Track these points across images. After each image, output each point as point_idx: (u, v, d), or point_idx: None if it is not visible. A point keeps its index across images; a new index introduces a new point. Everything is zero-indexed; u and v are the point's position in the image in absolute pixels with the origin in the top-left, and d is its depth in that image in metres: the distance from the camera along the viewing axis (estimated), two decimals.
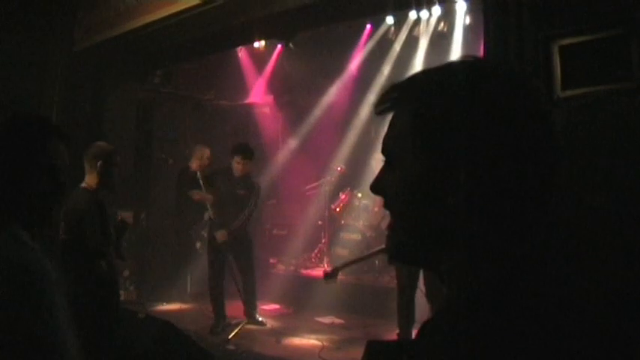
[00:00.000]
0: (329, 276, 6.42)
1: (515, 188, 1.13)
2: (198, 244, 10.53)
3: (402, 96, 1.26)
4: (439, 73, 1.25)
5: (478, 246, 1.14)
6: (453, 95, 1.17)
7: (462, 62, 1.26)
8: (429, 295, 6.82)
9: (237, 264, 9.13)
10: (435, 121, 1.17)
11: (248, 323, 8.74)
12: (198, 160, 9.65)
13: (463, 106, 1.15)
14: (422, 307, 6.94)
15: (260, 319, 9.05)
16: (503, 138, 1.13)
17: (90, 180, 5.35)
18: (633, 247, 3.98)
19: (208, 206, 8.97)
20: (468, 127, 1.13)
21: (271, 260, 12.23)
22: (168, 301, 10.28)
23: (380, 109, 1.30)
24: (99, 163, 5.32)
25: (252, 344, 8.17)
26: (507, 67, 1.32)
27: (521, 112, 1.16)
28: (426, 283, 6.87)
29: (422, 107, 1.20)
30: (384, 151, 1.28)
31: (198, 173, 9.11)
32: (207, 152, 10.03)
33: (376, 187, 1.30)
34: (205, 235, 9.48)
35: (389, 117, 1.28)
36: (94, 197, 5.30)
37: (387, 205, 1.27)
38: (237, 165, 8.80)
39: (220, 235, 8.70)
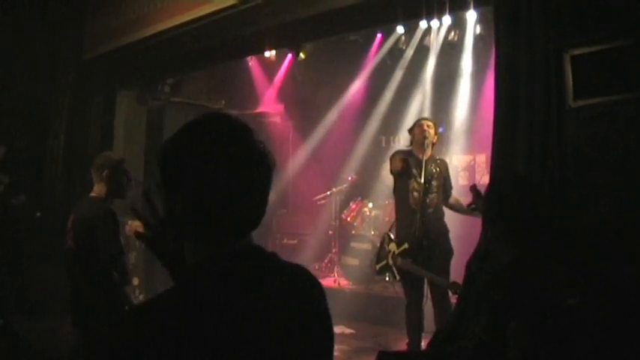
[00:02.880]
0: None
1: (207, 218, 1.77)
2: None
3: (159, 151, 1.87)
4: (173, 142, 1.85)
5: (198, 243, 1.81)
6: (175, 159, 1.81)
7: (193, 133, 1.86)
8: (435, 305, 6.80)
9: None
10: (166, 172, 1.83)
11: None
12: None
13: (178, 170, 1.79)
14: (431, 317, 6.92)
15: None
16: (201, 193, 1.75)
17: (98, 189, 5.34)
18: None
19: None
20: (184, 182, 1.77)
21: None
22: None
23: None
24: (104, 173, 5.33)
25: None
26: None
27: (217, 179, 1.75)
28: (432, 293, 6.86)
29: (162, 163, 1.84)
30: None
31: None
32: None
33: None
34: None
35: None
36: (104, 206, 5.30)
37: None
38: None
39: None
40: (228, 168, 1.75)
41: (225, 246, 1.80)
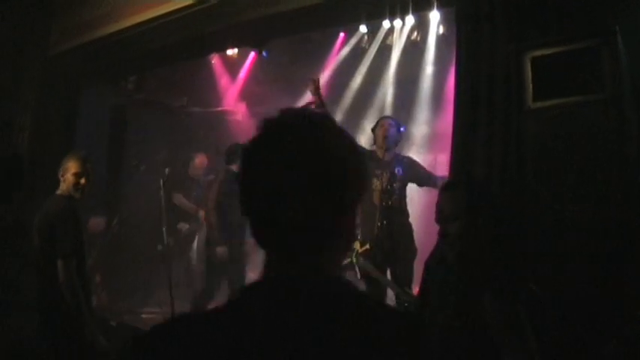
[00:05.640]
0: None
1: None
2: (159, 247, 9.70)
3: None
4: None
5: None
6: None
7: None
8: (398, 303, 6.81)
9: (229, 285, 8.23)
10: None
11: None
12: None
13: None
14: None
15: None
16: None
17: (63, 187, 5.47)
18: (603, 254, 4.03)
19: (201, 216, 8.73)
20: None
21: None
22: (141, 308, 10.19)
23: None
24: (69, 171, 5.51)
25: None
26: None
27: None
28: (395, 294, 6.87)
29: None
30: None
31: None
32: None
33: None
34: (168, 241, 8.52)
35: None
36: (67, 202, 5.47)
37: None
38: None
39: (221, 252, 8.03)
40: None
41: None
